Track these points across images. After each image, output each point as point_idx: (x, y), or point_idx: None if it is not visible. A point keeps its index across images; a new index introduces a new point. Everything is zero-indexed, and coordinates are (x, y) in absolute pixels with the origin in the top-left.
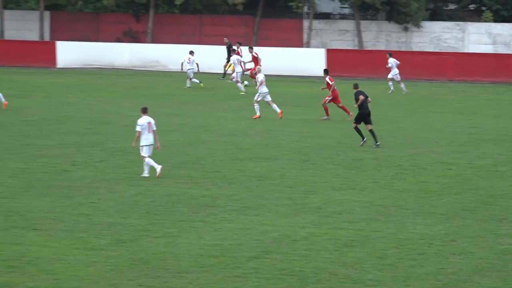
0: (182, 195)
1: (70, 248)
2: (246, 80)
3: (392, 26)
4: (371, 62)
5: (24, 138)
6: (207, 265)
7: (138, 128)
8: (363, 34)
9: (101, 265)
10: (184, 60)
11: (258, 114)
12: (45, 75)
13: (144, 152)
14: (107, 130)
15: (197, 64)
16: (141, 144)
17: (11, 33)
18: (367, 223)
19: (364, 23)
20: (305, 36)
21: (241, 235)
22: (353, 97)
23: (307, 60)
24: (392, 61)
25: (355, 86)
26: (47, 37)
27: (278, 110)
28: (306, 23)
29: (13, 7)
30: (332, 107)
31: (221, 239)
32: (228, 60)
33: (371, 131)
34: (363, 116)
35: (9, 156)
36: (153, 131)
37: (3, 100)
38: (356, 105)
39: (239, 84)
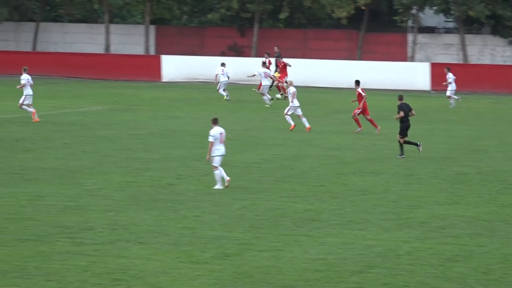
0: (286, 209)
1: (175, 261)
2: (279, 94)
3: (497, 40)
4: (475, 76)
5: (130, 152)
6: (311, 279)
7: (211, 139)
8: (468, 48)
9: (205, 278)
10: (219, 72)
11: (292, 124)
12: (151, 89)
13: (216, 162)
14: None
15: (228, 77)
16: (213, 154)
17: (116, 47)
18: (472, 238)
19: (468, 37)
20: (409, 50)
21: (345, 249)
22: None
23: (411, 74)
24: (451, 76)
25: (400, 98)
26: (152, 51)
27: (307, 125)
28: (410, 37)
29: (119, 21)
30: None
31: (325, 253)
32: (275, 71)
33: (404, 142)
34: (406, 128)
35: (115, 170)
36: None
37: (30, 111)
38: (395, 117)
39: (265, 97)
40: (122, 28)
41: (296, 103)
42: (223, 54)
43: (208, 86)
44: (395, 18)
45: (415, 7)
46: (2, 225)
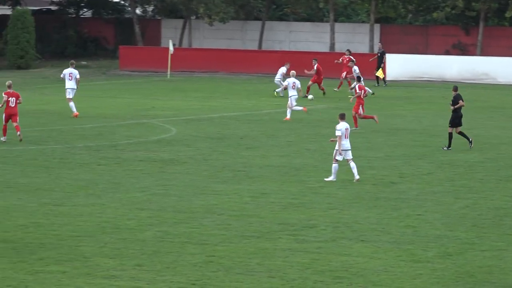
0: (510, 209)
1: (397, 260)
2: (311, 95)
3: None
4: None
5: (354, 150)
6: None
7: (338, 133)
8: None
9: (427, 277)
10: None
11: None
12: (374, 88)
13: (338, 156)
14: (435, 142)
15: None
16: (337, 148)
17: (341, 46)
18: None
19: None
20: None
21: None
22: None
23: None
24: None
25: (455, 89)
26: (376, 50)
27: (288, 116)
28: None
29: (344, 20)
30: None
31: None
32: (379, 67)
33: (460, 133)
34: (458, 119)
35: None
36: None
37: (74, 110)
38: (452, 107)
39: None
40: (347, 26)
41: (293, 93)
42: (447, 52)
43: (432, 85)
44: None
45: None
46: (226, 222)
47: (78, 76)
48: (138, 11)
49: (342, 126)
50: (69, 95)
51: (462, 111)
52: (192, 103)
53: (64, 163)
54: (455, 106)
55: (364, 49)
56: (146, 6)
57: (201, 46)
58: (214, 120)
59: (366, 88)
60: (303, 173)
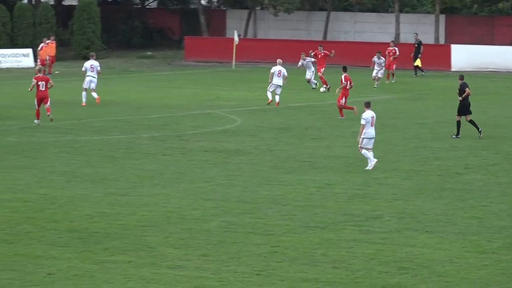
0: None
1: (462, 251)
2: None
3: None
4: None
5: (418, 140)
6: None
7: (362, 122)
8: None
9: (492, 268)
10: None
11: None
12: (440, 78)
13: (364, 144)
14: (501, 133)
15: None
16: (363, 136)
17: (406, 36)
18: None
19: None
20: None
21: None
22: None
23: None
24: None
25: (461, 78)
26: (442, 41)
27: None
28: None
29: (409, 10)
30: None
31: None
32: (416, 57)
33: (471, 121)
34: (465, 107)
35: (404, 159)
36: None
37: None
38: (460, 98)
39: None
40: (412, 17)
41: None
42: None
43: (497, 76)
44: None
45: None
46: (292, 212)
47: (99, 69)
48: (203, 1)
49: (368, 115)
50: (88, 85)
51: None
52: (256, 93)
53: (129, 153)
54: (463, 96)
55: (429, 39)
56: None
57: (266, 37)
58: (279, 110)
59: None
60: (367, 163)
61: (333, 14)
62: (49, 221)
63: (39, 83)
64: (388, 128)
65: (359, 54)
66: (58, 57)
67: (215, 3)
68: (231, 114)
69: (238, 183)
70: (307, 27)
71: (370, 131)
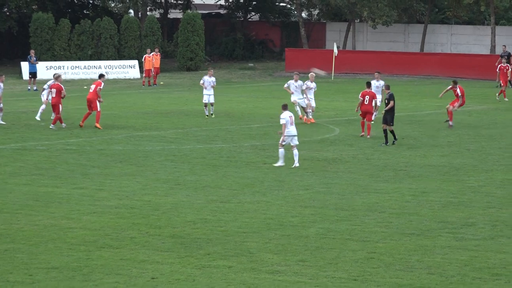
0: None
1: None
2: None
3: None
4: None
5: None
6: None
7: (282, 121)
8: None
9: None
10: None
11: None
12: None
13: (286, 141)
14: None
15: None
16: (286, 134)
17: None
18: None
19: None
20: None
21: None
22: None
23: None
24: None
25: (387, 87)
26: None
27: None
28: None
29: (504, 23)
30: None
31: None
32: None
33: (392, 131)
34: (391, 117)
35: (498, 168)
36: None
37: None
38: (386, 108)
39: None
40: (508, 29)
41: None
42: None
43: None
44: None
45: None
46: (387, 219)
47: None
48: (303, 14)
49: (286, 115)
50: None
51: None
52: (354, 104)
53: (231, 161)
54: (388, 107)
55: None
56: (312, 10)
57: (364, 49)
58: (376, 120)
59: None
60: (462, 172)
61: (430, 27)
62: (153, 227)
63: (52, 90)
64: (483, 138)
65: (455, 65)
66: (163, 68)
67: (315, 16)
68: (329, 123)
69: (336, 190)
70: (404, 39)
71: (290, 130)
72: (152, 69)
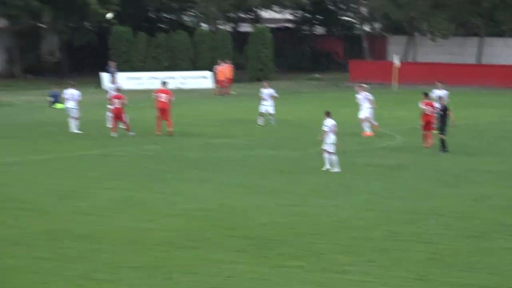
0: None
1: None
2: None
3: None
4: None
5: None
6: None
7: (325, 128)
8: None
9: None
10: None
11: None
12: None
13: (327, 148)
14: None
15: None
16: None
17: None
18: None
19: None
20: None
21: None
22: None
23: None
24: None
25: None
26: None
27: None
28: None
29: None
30: None
31: None
32: None
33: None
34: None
35: None
36: None
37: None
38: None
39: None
40: None
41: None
42: None
43: None
44: None
45: None
46: (449, 222)
47: (78, 98)
48: (366, 28)
49: (329, 123)
50: (72, 113)
51: None
52: (416, 113)
53: (299, 167)
54: (442, 117)
55: None
56: (374, 23)
57: (424, 61)
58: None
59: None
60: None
61: (487, 40)
62: (227, 229)
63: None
64: None
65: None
66: (234, 79)
67: (377, 30)
68: (392, 132)
69: (399, 195)
70: (461, 51)
71: (331, 137)
72: (225, 79)
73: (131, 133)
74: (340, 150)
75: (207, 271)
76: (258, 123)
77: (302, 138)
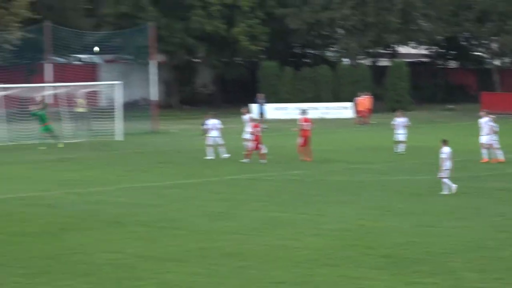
0: None
1: None
2: None
3: None
4: None
5: None
6: None
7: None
8: None
9: None
10: None
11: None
12: None
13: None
14: None
15: None
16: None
17: None
18: None
19: None
20: None
21: None
22: None
23: None
24: None
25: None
26: None
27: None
28: None
29: None
30: None
31: None
32: None
33: None
34: None
35: None
36: None
37: None
38: None
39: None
40: None
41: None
42: None
43: None
44: None
45: None
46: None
47: (220, 126)
48: (497, 62)
49: (446, 150)
50: (216, 141)
51: None
52: None
53: (434, 190)
54: None
55: None
56: (504, 58)
57: None
58: None
59: None
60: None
61: None
62: (366, 248)
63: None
64: None
65: None
66: (373, 110)
67: (507, 64)
68: None
69: None
70: None
71: (447, 164)
72: (364, 110)
73: (263, 161)
74: (472, 175)
75: (348, 287)
76: (395, 151)
77: (436, 163)
